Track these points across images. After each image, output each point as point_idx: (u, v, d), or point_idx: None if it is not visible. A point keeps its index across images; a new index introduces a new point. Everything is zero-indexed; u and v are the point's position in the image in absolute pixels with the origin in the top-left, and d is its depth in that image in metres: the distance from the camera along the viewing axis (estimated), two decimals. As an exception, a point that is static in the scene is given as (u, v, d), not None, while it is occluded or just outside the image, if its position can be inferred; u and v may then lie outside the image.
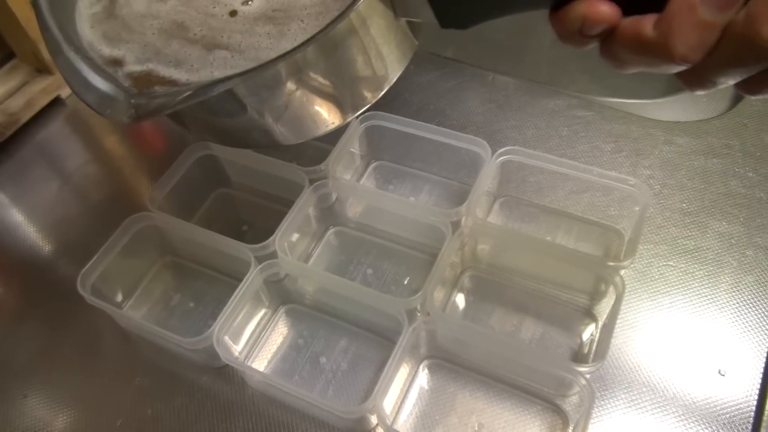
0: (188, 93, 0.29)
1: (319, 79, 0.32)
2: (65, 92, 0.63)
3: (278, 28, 0.32)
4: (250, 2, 0.34)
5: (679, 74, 0.24)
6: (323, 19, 0.32)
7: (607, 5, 0.23)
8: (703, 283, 0.45)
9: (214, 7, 0.34)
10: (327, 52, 0.31)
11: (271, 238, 0.43)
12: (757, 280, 0.44)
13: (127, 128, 0.61)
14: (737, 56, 0.22)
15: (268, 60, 0.29)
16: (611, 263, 0.40)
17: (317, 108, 0.35)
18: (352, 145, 0.51)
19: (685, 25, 0.21)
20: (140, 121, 0.29)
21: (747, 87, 0.23)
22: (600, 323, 0.43)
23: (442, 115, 0.58)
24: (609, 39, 0.24)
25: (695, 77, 0.24)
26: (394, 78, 0.36)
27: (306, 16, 0.32)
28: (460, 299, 0.46)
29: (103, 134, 0.61)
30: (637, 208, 0.45)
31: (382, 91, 0.36)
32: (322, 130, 0.36)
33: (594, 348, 0.42)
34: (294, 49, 0.29)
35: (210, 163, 0.51)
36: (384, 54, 0.35)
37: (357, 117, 0.37)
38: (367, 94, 0.36)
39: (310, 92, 0.33)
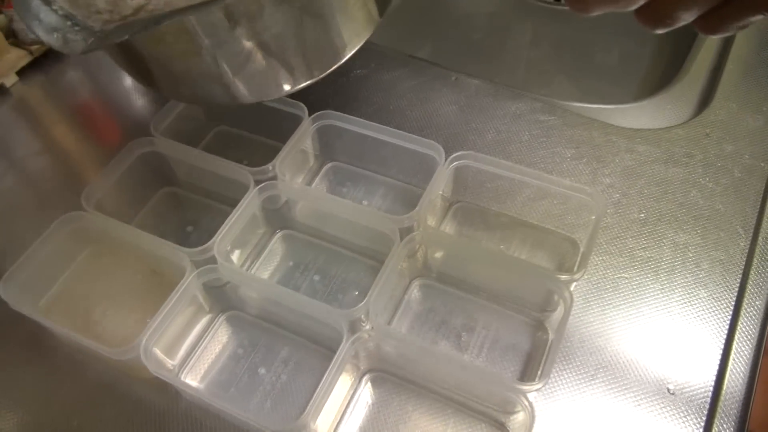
0: (146, 17, 0.27)
1: (274, 32, 0.32)
2: (9, 81, 0.60)
3: None
4: None
5: (638, 13, 0.25)
6: None
7: None
8: (657, 296, 0.44)
9: None
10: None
11: (210, 242, 0.41)
12: (710, 295, 0.43)
13: (74, 117, 0.58)
14: None
15: None
16: (562, 276, 0.39)
17: (273, 65, 0.34)
18: (304, 145, 0.49)
19: None
20: (93, 50, 0.29)
21: (703, 25, 0.24)
22: (550, 337, 0.42)
23: (402, 116, 0.56)
24: None
25: (654, 15, 0.24)
26: (352, 48, 0.37)
27: None
28: (408, 309, 0.44)
29: (48, 125, 0.58)
30: (593, 217, 0.44)
31: (340, 59, 0.37)
32: (277, 92, 0.37)
33: (543, 363, 0.41)
34: None
35: (155, 160, 0.49)
36: (340, 21, 0.34)
37: (315, 81, 0.37)
38: (325, 59, 0.36)
39: (266, 47, 0.33)
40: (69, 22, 0.29)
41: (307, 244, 0.48)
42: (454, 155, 0.45)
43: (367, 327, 0.40)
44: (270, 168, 0.46)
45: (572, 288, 0.43)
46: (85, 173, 0.54)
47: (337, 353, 0.37)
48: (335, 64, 0.38)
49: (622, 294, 0.44)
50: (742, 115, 0.54)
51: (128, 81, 0.61)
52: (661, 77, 0.66)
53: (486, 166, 0.45)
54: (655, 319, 0.43)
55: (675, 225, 0.47)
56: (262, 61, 0.34)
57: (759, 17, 0.23)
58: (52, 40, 0.29)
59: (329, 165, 0.53)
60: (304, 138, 0.48)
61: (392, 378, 0.41)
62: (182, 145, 0.47)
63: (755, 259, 0.45)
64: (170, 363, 0.41)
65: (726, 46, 0.60)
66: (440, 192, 0.47)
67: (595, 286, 0.44)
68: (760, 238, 0.46)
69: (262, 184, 0.45)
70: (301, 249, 0.48)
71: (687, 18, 0.24)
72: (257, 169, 0.45)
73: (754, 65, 0.58)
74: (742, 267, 0.45)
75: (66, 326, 0.40)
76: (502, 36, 0.83)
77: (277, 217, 0.48)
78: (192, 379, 0.41)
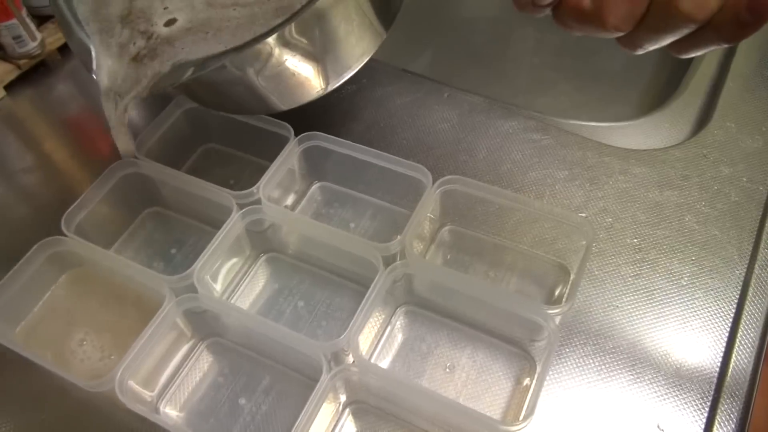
0: (191, 68, 0.37)
1: (303, 49, 0.39)
2: (-2, 94, 0.59)
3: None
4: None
5: (618, 40, 0.28)
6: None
7: None
8: (650, 327, 0.43)
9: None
10: (308, 27, 0.38)
11: (189, 270, 0.40)
12: (703, 326, 0.42)
13: (62, 133, 0.57)
14: (661, 25, 0.26)
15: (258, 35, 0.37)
16: (550, 310, 0.38)
17: (303, 77, 0.41)
18: (290, 165, 0.48)
19: None
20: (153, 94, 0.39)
21: (674, 48, 0.28)
22: (537, 370, 0.41)
23: (393, 134, 0.55)
24: (558, 8, 0.28)
25: (629, 42, 0.28)
26: (369, 53, 0.43)
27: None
28: (392, 337, 0.43)
29: (34, 142, 0.57)
30: (584, 243, 0.43)
31: (360, 62, 0.43)
32: (310, 97, 0.43)
33: (528, 397, 0.40)
34: (280, 24, 0.36)
35: (138, 181, 0.48)
36: (358, 30, 0.41)
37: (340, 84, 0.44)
38: (348, 64, 0.43)
39: (294, 63, 0.40)
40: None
41: (293, 267, 0.47)
42: (442, 179, 0.44)
43: (350, 359, 0.39)
44: (255, 191, 0.45)
45: (559, 320, 0.42)
46: (69, 194, 0.53)
47: (317, 387, 0.36)
48: (360, 64, 0.44)
49: (612, 325, 0.43)
50: (740, 135, 0.53)
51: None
52: (661, 92, 0.65)
53: (474, 190, 0.44)
54: (647, 353, 0.41)
55: (669, 252, 0.46)
56: (293, 77, 0.42)
57: (720, 45, 0.27)
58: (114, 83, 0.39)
59: (317, 185, 0.52)
60: (290, 159, 0.47)
61: (375, 410, 0.40)
62: (165, 167, 0.46)
63: (750, 288, 0.44)
64: (148, 395, 0.40)
65: (726, 62, 0.59)
66: (429, 215, 0.46)
67: (585, 315, 0.43)
68: (756, 266, 0.45)
69: (246, 208, 0.44)
70: (286, 273, 0.47)
71: (658, 46, 0.27)
72: (241, 193, 0.44)
73: (755, 83, 0.56)
74: (737, 297, 0.43)
75: (43, 355, 0.40)
76: (500, 45, 0.82)
77: (262, 240, 0.47)
78: (172, 409, 0.41)
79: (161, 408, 0.40)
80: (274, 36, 0.37)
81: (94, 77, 0.41)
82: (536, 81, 0.80)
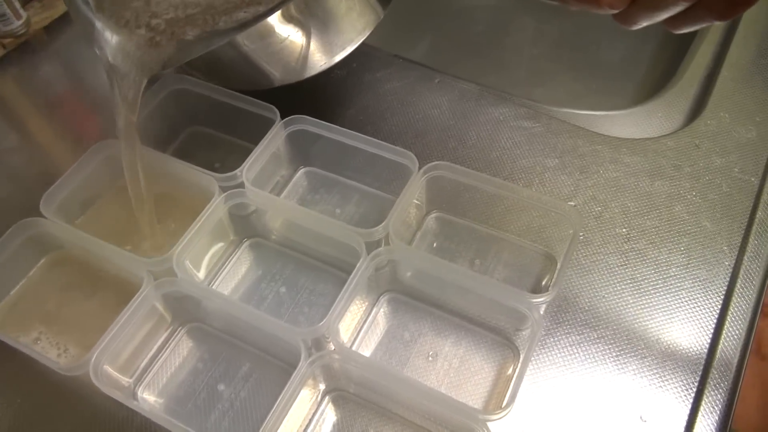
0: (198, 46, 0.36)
1: (305, 23, 0.41)
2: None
3: None
4: None
5: (613, 15, 0.29)
6: None
7: None
8: (635, 318, 0.42)
9: None
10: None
11: (168, 253, 0.40)
12: (689, 317, 0.42)
13: (47, 113, 0.56)
14: (655, 3, 0.27)
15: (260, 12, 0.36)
16: (532, 299, 0.37)
17: (307, 50, 0.43)
18: (275, 150, 0.47)
19: None
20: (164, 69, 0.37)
21: (669, 24, 0.29)
22: (520, 357, 0.40)
23: (381, 120, 0.54)
24: None
25: (625, 18, 0.29)
26: (371, 27, 0.44)
27: None
28: (375, 325, 0.43)
29: (19, 122, 0.56)
30: (571, 231, 0.42)
31: (362, 36, 0.44)
32: (315, 70, 0.44)
33: (511, 384, 0.39)
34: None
35: (119, 163, 0.47)
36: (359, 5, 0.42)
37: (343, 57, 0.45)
38: (350, 37, 0.44)
39: (298, 37, 0.41)
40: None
41: (276, 253, 0.47)
42: (429, 165, 0.44)
43: (331, 347, 0.38)
44: (238, 174, 0.44)
45: (543, 309, 0.41)
46: (51, 175, 0.52)
47: (294, 373, 0.35)
48: (361, 38, 0.45)
49: (597, 314, 0.42)
50: (734, 125, 0.52)
51: (104, 76, 0.59)
52: (657, 82, 0.64)
53: (461, 177, 0.43)
54: (632, 344, 0.41)
55: (658, 241, 0.45)
56: (297, 50, 0.43)
57: (713, 22, 0.28)
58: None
59: (302, 170, 0.51)
60: (275, 143, 0.47)
61: (355, 398, 0.39)
62: (147, 148, 0.46)
63: (739, 280, 0.43)
64: (125, 380, 0.40)
65: (722, 51, 0.58)
66: (415, 201, 0.45)
67: (570, 304, 0.43)
68: (745, 258, 0.44)
69: (229, 192, 0.43)
70: (269, 258, 0.46)
71: (653, 22, 0.29)
72: (224, 176, 0.44)
73: (750, 73, 0.56)
74: (725, 288, 0.43)
75: (20, 338, 0.39)
76: (498, 35, 0.81)
77: (245, 224, 0.47)
78: (149, 394, 0.40)
79: (139, 393, 0.40)
80: (280, 12, 0.39)
81: (98, 53, 0.39)
82: (533, 72, 0.79)
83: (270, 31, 0.42)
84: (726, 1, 0.26)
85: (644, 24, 0.29)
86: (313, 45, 0.45)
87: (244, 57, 0.46)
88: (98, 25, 0.38)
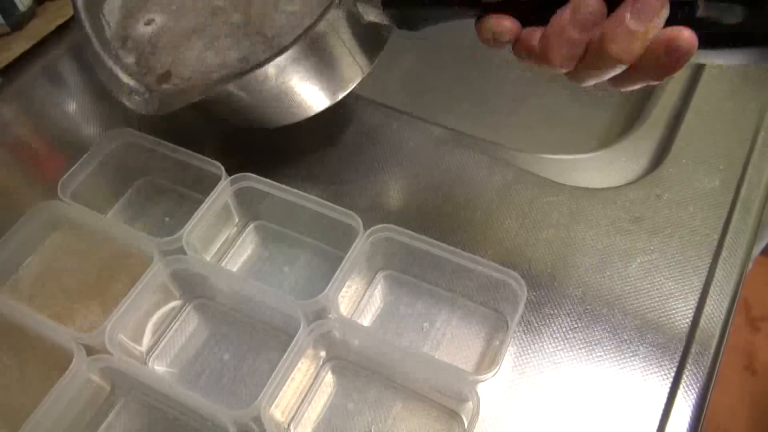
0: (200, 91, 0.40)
1: (302, 73, 0.41)
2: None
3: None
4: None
5: (565, 73, 0.32)
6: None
7: (509, 21, 0.31)
8: (585, 390, 0.41)
9: None
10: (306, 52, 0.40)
11: (99, 328, 0.38)
12: (642, 386, 0.40)
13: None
14: (597, 64, 0.30)
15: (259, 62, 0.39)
16: (470, 377, 0.36)
17: (304, 95, 0.44)
18: (222, 206, 0.46)
19: (558, 42, 0.30)
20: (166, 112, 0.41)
21: (612, 83, 0.31)
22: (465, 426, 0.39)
23: (347, 168, 0.52)
24: (515, 45, 0.32)
25: (574, 77, 0.32)
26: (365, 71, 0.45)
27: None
28: (319, 394, 0.41)
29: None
30: (519, 301, 0.41)
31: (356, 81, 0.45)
32: (310, 113, 0.46)
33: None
34: (282, 49, 0.38)
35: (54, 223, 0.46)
36: (355, 53, 0.42)
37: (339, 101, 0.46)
38: (343, 84, 0.45)
39: (295, 84, 0.42)
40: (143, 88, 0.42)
41: (222, 317, 0.45)
42: (374, 228, 0.42)
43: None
44: (180, 236, 0.43)
45: (484, 385, 0.40)
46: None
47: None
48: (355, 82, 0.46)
49: (544, 387, 0.41)
50: (696, 174, 0.51)
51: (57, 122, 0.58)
52: (624, 125, 0.62)
53: (406, 239, 0.42)
54: (578, 423, 0.39)
55: (613, 304, 0.44)
56: (294, 96, 0.43)
57: (650, 83, 0.30)
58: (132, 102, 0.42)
59: (253, 224, 0.50)
60: (220, 200, 0.45)
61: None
62: (86, 209, 0.44)
63: (693, 346, 0.42)
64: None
65: (688, 94, 0.56)
66: (364, 261, 0.44)
67: (521, 374, 0.41)
68: (701, 321, 0.43)
69: (169, 257, 0.42)
70: (214, 323, 0.45)
71: (598, 81, 0.31)
72: (164, 240, 0.42)
73: (714, 118, 0.54)
74: (680, 354, 0.42)
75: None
76: (465, 78, 0.78)
77: (192, 287, 0.45)
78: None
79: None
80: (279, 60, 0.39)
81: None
82: (498, 113, 0.77)
83: (267, 79, 0.42)
84: (656, 66, 0.29)
85: (592, 82, 0.31)
86: (309, 90, 0.44)
87: (240, 101, 0.45)
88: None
